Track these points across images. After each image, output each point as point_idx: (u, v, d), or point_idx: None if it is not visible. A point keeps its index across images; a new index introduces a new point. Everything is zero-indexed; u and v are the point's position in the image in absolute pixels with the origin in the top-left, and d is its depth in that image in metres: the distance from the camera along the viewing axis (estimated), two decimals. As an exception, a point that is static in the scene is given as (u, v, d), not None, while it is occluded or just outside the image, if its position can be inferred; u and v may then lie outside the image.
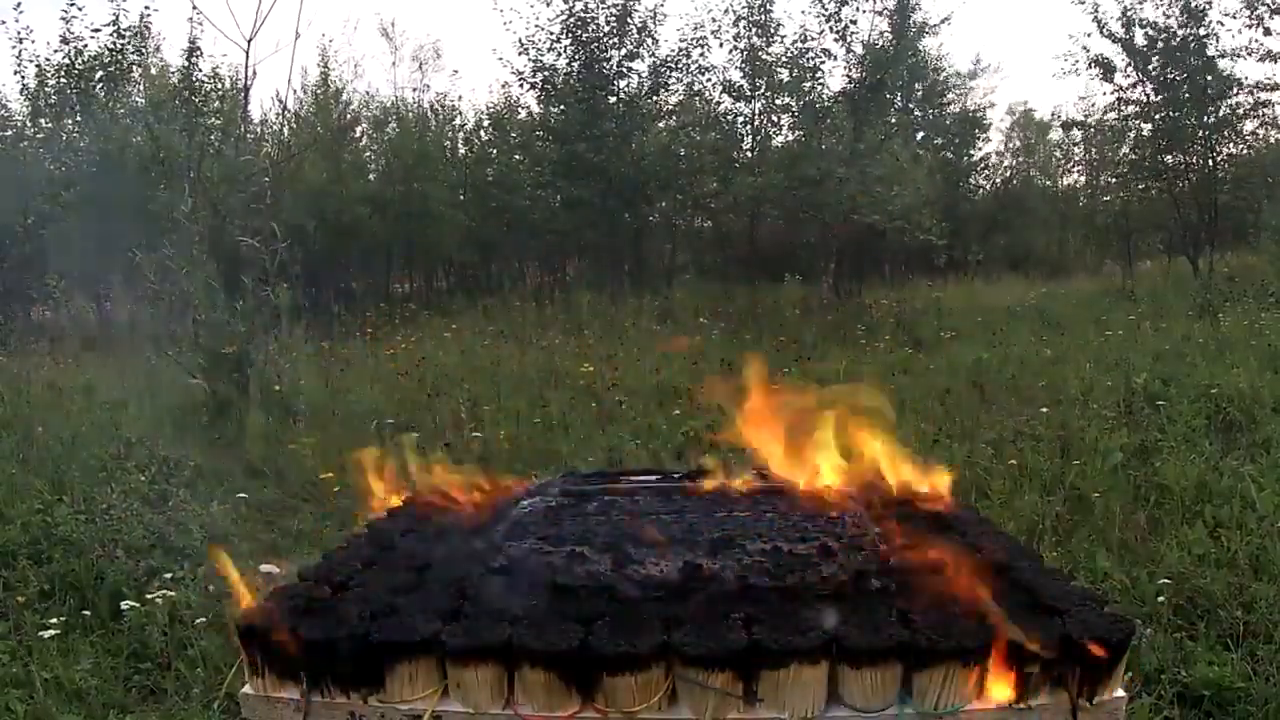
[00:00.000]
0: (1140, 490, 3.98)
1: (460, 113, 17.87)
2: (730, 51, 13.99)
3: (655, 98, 14.32)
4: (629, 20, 13.81)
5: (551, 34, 13.71)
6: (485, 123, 17.56)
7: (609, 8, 13.70)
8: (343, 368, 7.14)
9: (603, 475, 2.02)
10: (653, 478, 1.95)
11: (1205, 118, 12.88)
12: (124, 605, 3.04)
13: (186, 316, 5.17)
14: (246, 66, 5.76)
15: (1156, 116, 13.14)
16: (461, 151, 17.17)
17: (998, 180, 19.75)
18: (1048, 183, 19.98)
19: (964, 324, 9.54)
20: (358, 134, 16.11)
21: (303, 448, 5.04)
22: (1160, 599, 2.79)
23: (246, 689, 1.31)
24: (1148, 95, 13.16)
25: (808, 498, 1.70)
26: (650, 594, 1.37)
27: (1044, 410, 4.98)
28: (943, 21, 13.94)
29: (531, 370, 8.16)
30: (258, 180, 6.41)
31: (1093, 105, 15.65)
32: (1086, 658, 1.22)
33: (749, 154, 14.17)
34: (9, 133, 12.16)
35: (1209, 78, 12.59)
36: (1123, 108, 13.53)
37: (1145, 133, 13.54)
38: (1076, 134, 17.72)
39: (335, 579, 1.48)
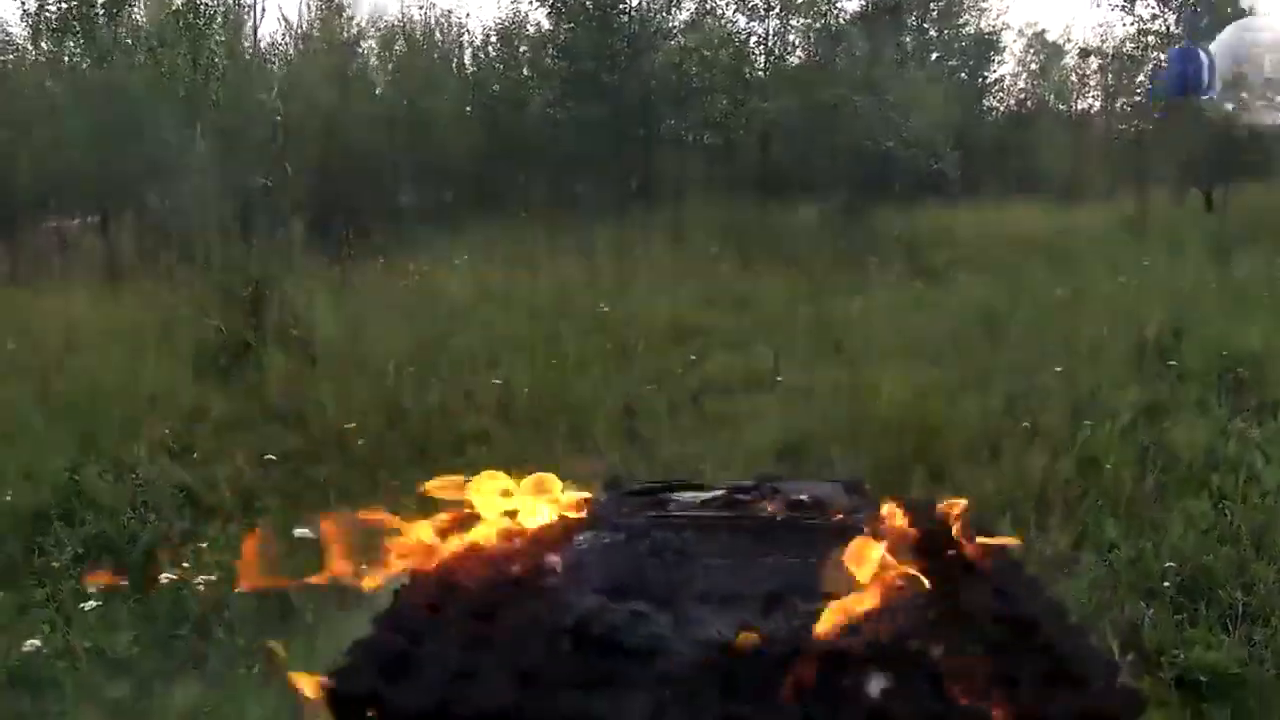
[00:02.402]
0: (1148, 453, 4.07)
1: (468, 30, 17.52)
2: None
3: (667, 15, 14.01)
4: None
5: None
6: (493, 39, 17.23)
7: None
8: (357, 301, 7.16)
9: (648, 493, 2.07)
10: (696, 499, 2.01)
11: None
12: (158, 568, 3.16)
13: (199, 256, 5.19)
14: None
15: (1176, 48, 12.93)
16: (470, 69, 16.87)
17: (1011, 103, 19.53)
18: (1062, 107, 19.76)
19: (975, 253, 9.54)
20: (363, 50, 15.82)
21: (323, 393, 5.11)
22: (1166, 583, 2.90)
23: None
24: (1168, 27, 13.02)
25: (843, 537, 1.75)
26: (709, 657, 1.43)
27: (1057, 370, 5.04)
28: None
29: (544, 299, 8.21)
30: (267, 107, 6.34)
31: (1111, 33, 15.43)
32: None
33: (762, 74, 13.92)
34: (10, 57, 11.93)
35: (1229, 10, 12.35)
36: (1143, 38, 13.31)
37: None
38: (1094, 61, 17.45)
39: (409, 626, 1.55)
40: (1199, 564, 3.01)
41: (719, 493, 2.08)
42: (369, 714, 1.35)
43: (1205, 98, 1.13)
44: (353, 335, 6.15)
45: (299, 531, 3.49)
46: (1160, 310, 6.10)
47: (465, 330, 6.83)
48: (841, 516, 1.88)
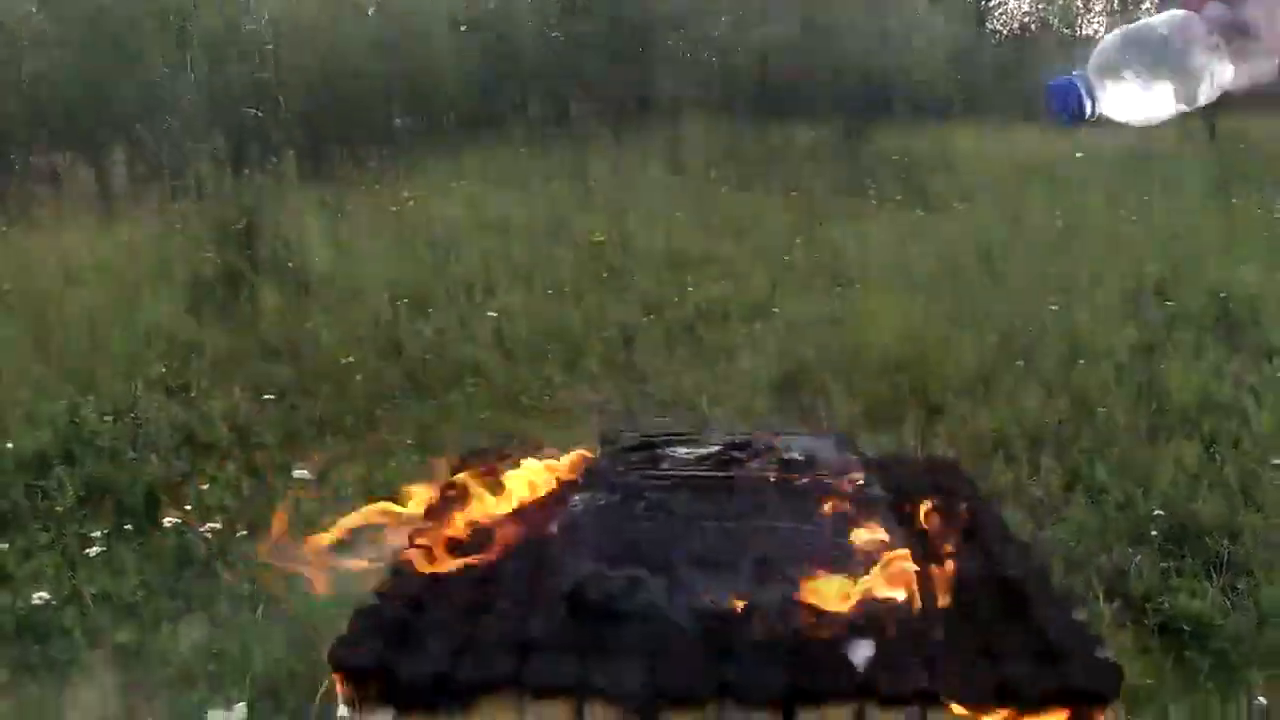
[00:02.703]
0: (1142, 393, 4.10)
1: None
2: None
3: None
4: None
5: None
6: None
7: None
8: (352, 230, 7.11)
9: (644, 448, 2.08)
10: (691, 455, 2.02)
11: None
12: (160, 510, 3.19)
13: (192, 189, 5.13)
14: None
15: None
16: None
17: (1015, 26, 19.20)
18: (1066, 30, 19.42)
19: (975, 180, 9.44)
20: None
21: (318, 326, 5.11)
22: (1155, 531, 2.95)
23: (342, 711, 1.43)
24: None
25: (841, 498, 1.78)
26: (703, 625, 1.46)
27: (1053, 308, 5.04)
28: None
29: (540, 225, 8.16)
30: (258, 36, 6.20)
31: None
32: (1080, 706, 1.34)
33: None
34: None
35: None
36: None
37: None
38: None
39: (410, 594, 1.58)
40: (1188, 511, 3.06)
41: (713, 449, 2.10)
42: (374, 683, 1.39)
43: (1092, 118, 1.12)
44: (347, 265, 6.12)
45: (298, 472, 3.55)
46: (1159, 247, 6.08)
47: (461, 258, 6.80)
48: (832, 478, 1.90)
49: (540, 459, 2.19)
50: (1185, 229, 6.57)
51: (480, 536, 1.82)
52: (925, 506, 1.91)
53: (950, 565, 1.65)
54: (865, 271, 6.51)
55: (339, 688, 1.42)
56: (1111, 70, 1.08)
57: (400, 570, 1.71)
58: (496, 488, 1.94)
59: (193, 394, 4.17)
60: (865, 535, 1.68)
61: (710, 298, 6.12)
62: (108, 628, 2.69)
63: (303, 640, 2.72)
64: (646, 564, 1.57)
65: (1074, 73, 1.09)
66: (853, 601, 1.51)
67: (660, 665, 1.39)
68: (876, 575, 1.57)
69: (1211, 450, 3.47)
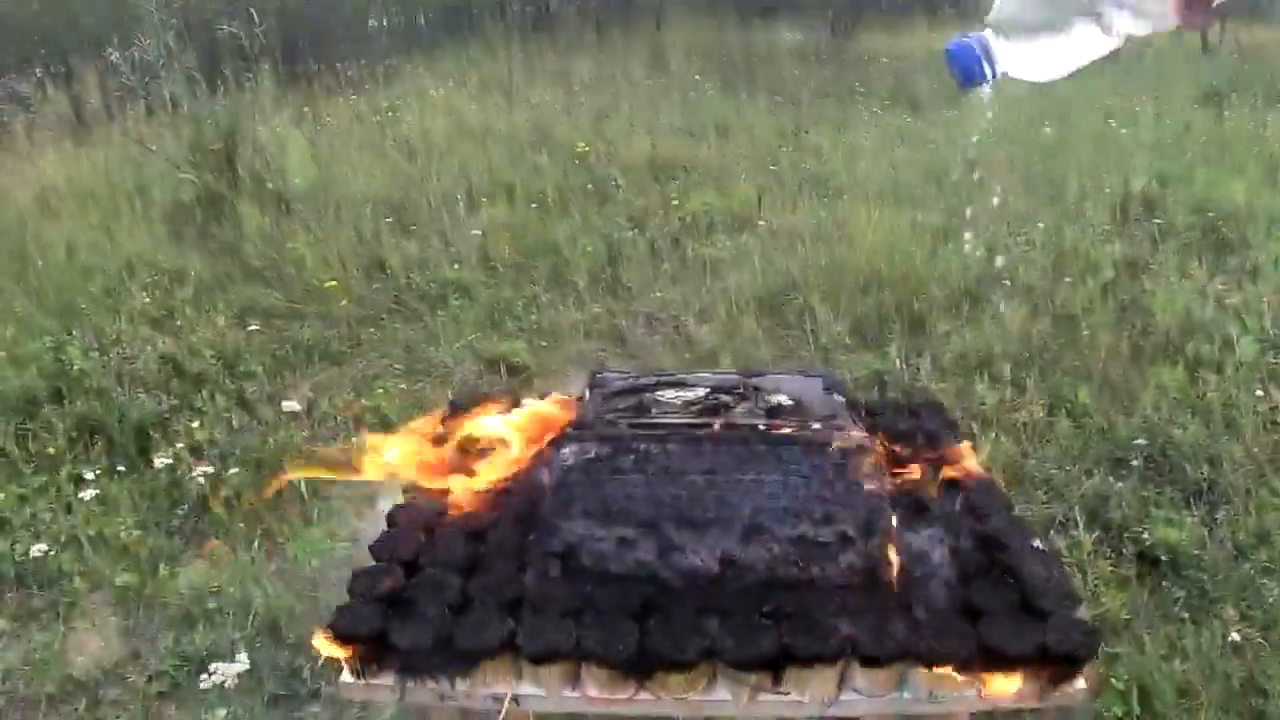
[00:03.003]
0: (1126, 313, 4.12)
1: None
2: None
3: None
4: None
5: None
6: None
7: None
8: (331, 144, 6.97)
9: (632, 392, 2.08)
10: (678, 399, 2.03)
11: None
12: (152, 447, 3.20)
13: (167, 110, 4.98)
14: None
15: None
16: None
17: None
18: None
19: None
20: None
21: (300, 246, 5.05)
22: (1135, 461, 2.99)
23: (345, 678, 1.46)
24: None
25: (830, 450, 1.79)
26: (691, 584, 1.50)
27: (1040, 225, 5.01)
28: None
29: (522, 131, 8.03)
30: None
31: None
32: (1058, 665, 1.38)
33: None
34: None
35: None
36: None
37: None
38: None
39: (403, 557, 1.61)
40: (1169, 437, 3.10)
41: (701, 392, 2.11)
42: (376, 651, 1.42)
43: (994, 81, 1.08)
44: (328, 182, 6.01)
45: (287, 404, 3.55)
46: (1147, 158, 6.02)
47: (442, 170, 6.69)
48: (819, 427, 1.91)
49: (530, 403, 2.20)
50: (1174, 140, 6.50)
51: (471, 488, 1.84)
52: (908, 452, 1.95)
53: (933, 519, 1.69)
54: (852, 180, 6.45)
55: (342, 656, 1.45)
56: (1011, 28, 1.05)
57: (394, 526, 1.73)
58: (487, 437, 1.95)
59: (178, 322, 4.13)
60: (851, 489, 1.71)
61: (695, 209, 6.06)
62: (107, 570, 2.72)
63: (300, 576, 2.78)
64: (636, 523, 1.60)
65: (969, 35, 1.06)
66: (840, 561, 1.55)
67: (651, 628, 1.43)
68: (860, 533, 1.60)
69: (1194, 373, 3.50)
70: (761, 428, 1.93)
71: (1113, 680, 2.28)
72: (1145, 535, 2.69)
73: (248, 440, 3.36)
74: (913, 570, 1.55)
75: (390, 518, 1.75)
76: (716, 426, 1.93)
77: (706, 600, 1.50)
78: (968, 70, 1.06)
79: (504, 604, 1.50)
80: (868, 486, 1.72)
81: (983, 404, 3.56)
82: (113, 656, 2.46)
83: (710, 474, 1.72)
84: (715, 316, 4.64)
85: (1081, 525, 2.76)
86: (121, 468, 3.15)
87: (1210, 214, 4.98)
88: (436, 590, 1.53)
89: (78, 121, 6.24)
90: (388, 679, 1.45)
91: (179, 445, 3.20)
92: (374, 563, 1.63)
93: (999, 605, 1.48)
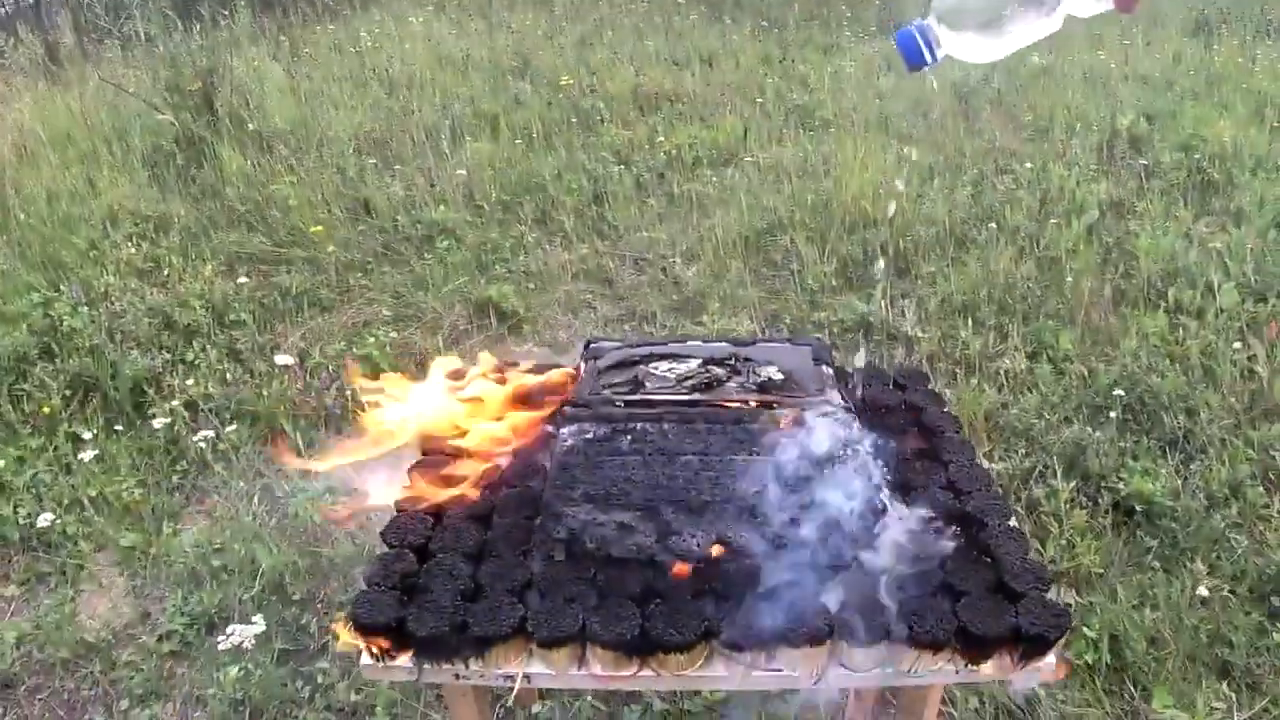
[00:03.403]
0: (1110, 256, 4.16)
1: None
2: None
3: None
4: None
5: None
6: None
7: None
8: (309, 74, 6.83)
9: (625, 365, 2.12)
10: (672, 374, 2.08)
11: None
12: (147, 403, 3.22)
13: (143, 51, 4.86)
14: None
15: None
16: None
17: None
18: None
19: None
20: None
21: (284, 187, 5.01)
22: (1113, 414, 3.06)
23: (365, 660, 1.53)
24: None
25: (817, 427, 1.85)
26: (691, 569, 1.57)
27: (1028, 165, 5.01)
28: None
29: (503, 59, 7.90)
30: None
31: None
32: (1030, 644, 1.46)
33: None
34: None
35: None
36: None
37: None
38: None
39: (414, 542, 1.67)
40: (1148, 386, 3.16)
41: (694, 364, 2.16)
42: (393, 639, 1.49)
43: (935, 64, 1.09)
44: (308, 118, 5.92)
45: (280, 359, 3.57)
46: (1136, 90, 5.98)
47: (424, 102, 6.60)
48: (808, 401, 1.96)
49: (527, 373, 2.23)
50: (1162, 73, 6.45)
51: (475, 468, 1.88)
52: (893, 426, 2.00)
53: (916, 498, 1.75)
54: (837, 111, 6.40)
55: (361, 642, 1.51)
56: (954, 15, 1.09)
57: (402, 511, 1.78)
58: (487, 409, 1.99)
59: (165, 273, 4.11)
60: (840, 469, 1.77)
61: (681, 142, 6.02)
62: (110, 531, 2.77)
63: (304, 531, 2.84)
64: (635, 506, 1.66)
65: (913, 23, 1.11)
66: (827, 534, 1.62)
67: (651, 615, 1.50)
68: (850, 514, 1.67)
69: (1175, 321, 3.55)
70: (754, 404, 1.99)
71: (1085, 629, 2.39)
72: (1121, 486, 2.76)
73: (242, 394, 3.39)
74: (896, 551, 1.62)
75: (398, 500, 1.81)
76: (712, 404, 1.99)
77: (704, 583, 1.57)
78: (910, 56, 1.11)
79: (513, 590, 1.57)
80: (857, 464, 1.79)
81: (966, 349, 3.62)
82: (122, 618, 2.53)
83: (706, 455, 1.79)
84: (702, 257, 4.66)
85: (1060, 475, 2.84)
86: (119, 426, 3.17)
87: (1196, 155, 4.98)
88: (449, 577, 1.60)
89: (50, 62, 6.09)
90: (405, 662, 1.53)
91: (174, 402, 3.23)
92: (386, 549, 1.69)
93: (975, 586, 1.55)
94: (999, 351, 3.59)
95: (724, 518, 1.65)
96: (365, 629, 1.52)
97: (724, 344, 2.32)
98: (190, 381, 3.34)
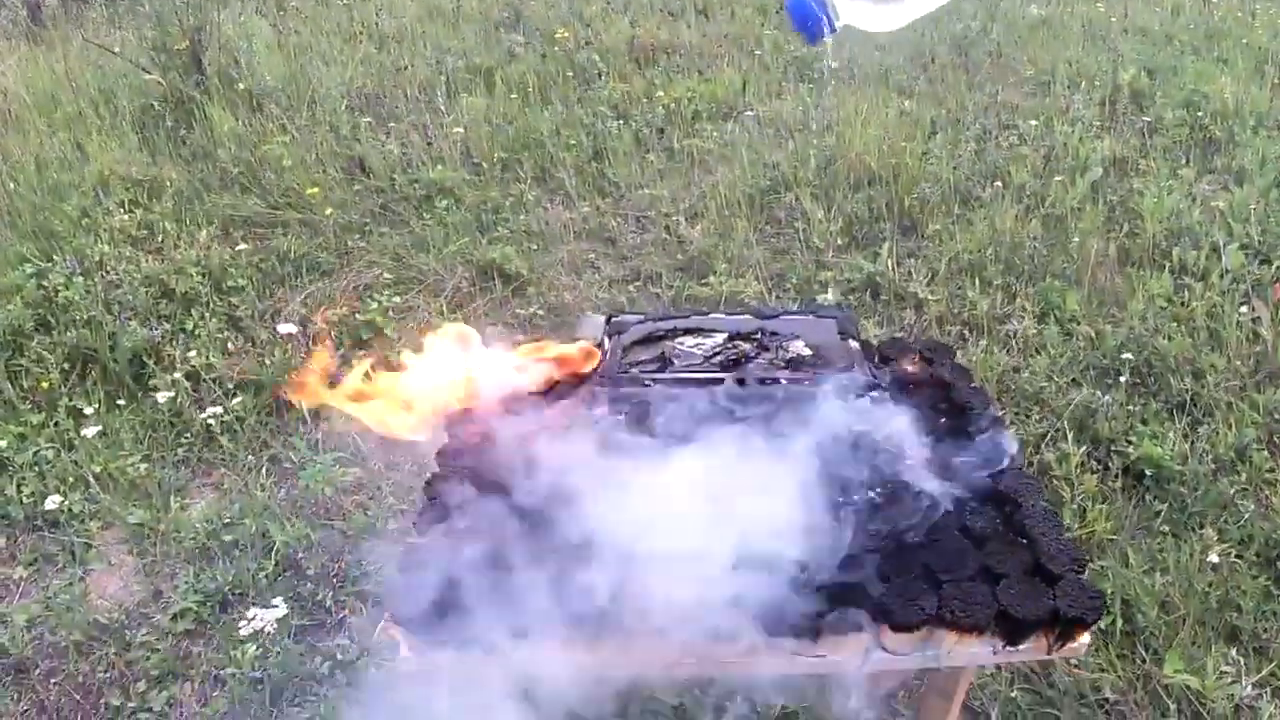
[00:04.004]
0: (1115, 214, 4.13)
1: None
2: None
3: None
4: None
5: None
6: None
7: None
8: (298, 29, 6.68)
9: (653, 339, 2.11)
10: (698, 350, 2.07)
11: None
12: (148, 375, 3.17)
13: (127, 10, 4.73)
14: None
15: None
16: None
17: None
18: None
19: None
20: None
21: (277, 147, 4.92)
22: (1122, 377, 3.06)
23: (404, 651, 1.51)
24: None
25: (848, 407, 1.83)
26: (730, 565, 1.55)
27: (1032, 123, 4.95)
28: None
29: (494, 11, 7.75)
30: None
31: None
32: (1066, 626, 1.47)
33: None
34: None
35: None
36: None
37: None
38: None
39: (449, 531, 1.65)
40: (1154, 348, 3.16)
41: (719, 339, 2.14)
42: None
43: (833, 34, 1.07)
44: (298, 75, 5.80)
45: (282, 328, 3.53)
46: (1136, 44, 5.91)
47: (416, 56, 6.47)
48: (837, 378, 1.94)
49: (548, 350, 2.19)
50: (1162, 28, 6.37)
51: (499, 451, 1.84)
52: (923, 399, 1.98)
53: (950, 474, 1.74)
54: (836, 63, 6.31)
55: (399, 638, 1.49)
56: None
57: (435, 498, 1.75)
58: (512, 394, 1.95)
59: (159, 239, 4.04)
60: (874, 452, 1.76)
61: (679, 95, 5.94)
62: (117, 508, 2.74)
63: (315, 504, 2.82)
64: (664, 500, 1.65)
65: None
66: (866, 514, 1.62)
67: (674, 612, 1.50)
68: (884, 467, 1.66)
69: (1180, 282, 3.55)
70: (783, 380, 1.97)
71: (1098, 594, 2.41)
72: (1131, 450, 2.77)
73: (244, 364, 3.35)
74: (934, 532, 1.62)
75: (427, 487, 1.77)
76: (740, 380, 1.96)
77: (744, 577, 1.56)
78: (804, 24, 1.07)
79: (548, 587, 1.54)
80: (892, 447, 1.78)
81: (974, 310, 3.61)
82: (134, 597, 2.51)
83: (730, 445, 1.77)
84: (705, 215, 4.61)
85: (1070, 439, 2.84)
86: (120, 400, 3.13)
87: (1199, 112, 4.94)
88: (481, 571, 1.57)
89: (33, 24, 5.93)
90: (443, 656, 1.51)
91: (176, 374, 3.19)
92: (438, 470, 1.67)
93: (1013, 569, 1.55)
94: (1007, 313, 3.57)
95: (758, 510, 1.64)
96: (405, 625, 1.49)
97: (748, 317, 2.29)
98: (191, 352, 3.30)
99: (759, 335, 2.13)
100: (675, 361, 2.04)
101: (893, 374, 2.02)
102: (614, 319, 2.24)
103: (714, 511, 1.62)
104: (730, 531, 1.59)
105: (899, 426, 1.80)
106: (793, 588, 1.48)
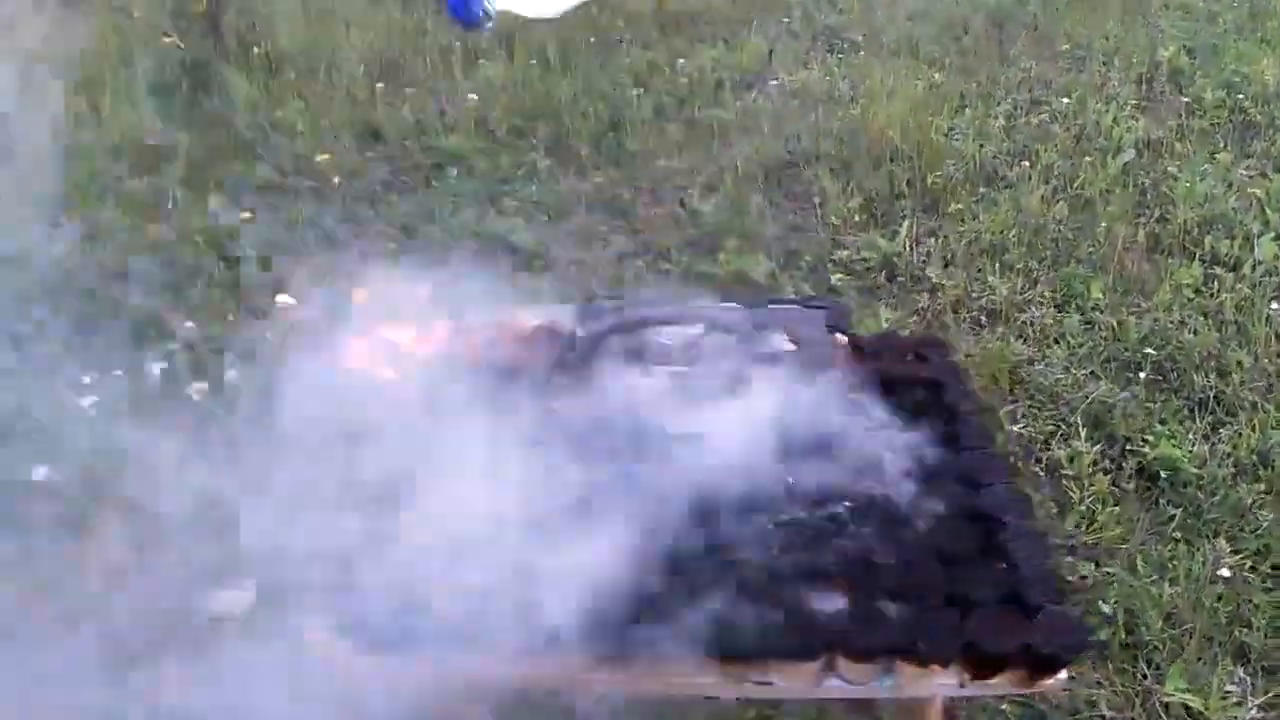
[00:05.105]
0: (1145, 198, 3.97)
1: None
2: None
3: None
4: None
5: None
6: None
7: None
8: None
9: (625, 328, 2.03)
10: (673, 344, 2.00)
11: None
12: (151, 348, 3.15)
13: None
14: None
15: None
16: None
17: None
18: None
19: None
20: None
21: (292, 113, 4.87)
22: (1142, 371, 2.94)
23: None
24: None
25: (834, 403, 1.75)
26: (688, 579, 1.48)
27: (1065, 100, 4.77)
28: None
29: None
30: None
31: None
32: (1043, 661, 1.39)
33: None
34: None
35: None
36: None
37: None
38: None
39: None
40: (1179, 342, 3.03)
41: (695, 331, 2.06)
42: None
43: (492, 20, 1.01)
44: (318, 39, 5.74)
45: (281, 299, 3.50)
46: (1174, 26, 5.67)
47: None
48: (818, 377, 1.85)
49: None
50: (1205, 4, 6.10)
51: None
52: (909, 403, 1.89)
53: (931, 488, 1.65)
54: (867, 32, 6.14)
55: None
56: None
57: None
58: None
59: (169, 206, 4.02)
60: (849, 459, 1.68)
61: (703, 64, 5.81)
62: (115, 484, 2.70)
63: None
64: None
65: None
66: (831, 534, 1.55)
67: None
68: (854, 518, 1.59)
69: (1210, 271, 3.40)
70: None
71: (1100, 604, 2.32)
72: (1147, 450, 2.66)
73: (248, 335, 3.32)
74: (903, 554, 1.53)
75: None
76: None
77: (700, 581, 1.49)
78: (457, 11, 1.00)
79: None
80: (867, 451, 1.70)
81: (992, 295, 3.49)
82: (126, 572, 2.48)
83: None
84: (721, 188, 4.51)
85: (1084, 436, 2.74)
86: (119, 372, 3.12)
87: (1239, 94, 4.73)
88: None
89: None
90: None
91: (175, 347, 3.17)
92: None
93: (987, 595, 1.46)
94: (1026, 300, 3.45)
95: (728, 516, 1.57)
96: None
97: (733, 306, 2.21)
98: (190, 324, 3.28)
99: (736, 328, 2.04)
100: (646, 356, 1.96)
101: (878, 373, 1.91)
102: (588, 308, 2.17)
103: (639, 527, 1.53)
104: (655, 548, 1.51)
105: (874, 433, 1.71)
106: (735, 607, 1.41)
